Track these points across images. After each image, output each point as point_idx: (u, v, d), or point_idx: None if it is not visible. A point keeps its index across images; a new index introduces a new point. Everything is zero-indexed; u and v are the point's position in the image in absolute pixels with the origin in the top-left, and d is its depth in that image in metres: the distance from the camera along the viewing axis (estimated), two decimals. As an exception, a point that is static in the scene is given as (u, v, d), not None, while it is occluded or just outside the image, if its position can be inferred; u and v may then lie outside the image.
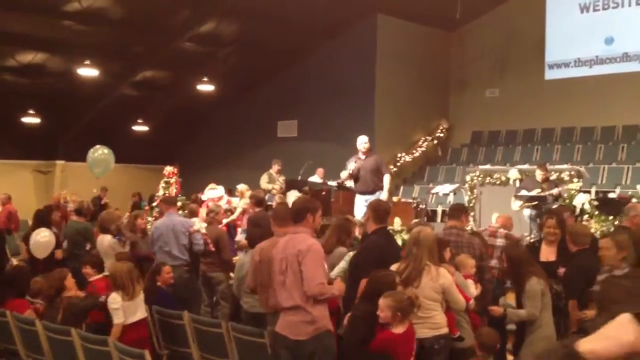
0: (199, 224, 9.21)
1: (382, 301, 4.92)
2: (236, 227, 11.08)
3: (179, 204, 13.32)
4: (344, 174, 11.44)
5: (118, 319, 6.13)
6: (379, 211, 6.15)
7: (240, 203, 12.00)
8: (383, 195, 11.33)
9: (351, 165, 11.11)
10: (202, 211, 12.09)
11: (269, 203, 12.63)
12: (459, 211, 7.31)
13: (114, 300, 6.19)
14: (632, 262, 5.53)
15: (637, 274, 5.31)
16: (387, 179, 11.43)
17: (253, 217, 9.53)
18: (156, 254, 8.34)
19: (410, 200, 13.98)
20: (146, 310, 6.58)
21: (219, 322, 6.51)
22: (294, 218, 5.50)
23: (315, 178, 15.23)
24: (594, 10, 18.12)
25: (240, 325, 6.46)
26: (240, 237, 9.54)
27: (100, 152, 11.97)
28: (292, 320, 5.15)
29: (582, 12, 18.31)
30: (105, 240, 8.31)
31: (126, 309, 6.19)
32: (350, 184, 13.82)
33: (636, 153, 16.75)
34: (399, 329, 4.95)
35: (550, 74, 18.85)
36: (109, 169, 12.35)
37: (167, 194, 13.77)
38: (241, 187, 12.91)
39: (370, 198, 10.35)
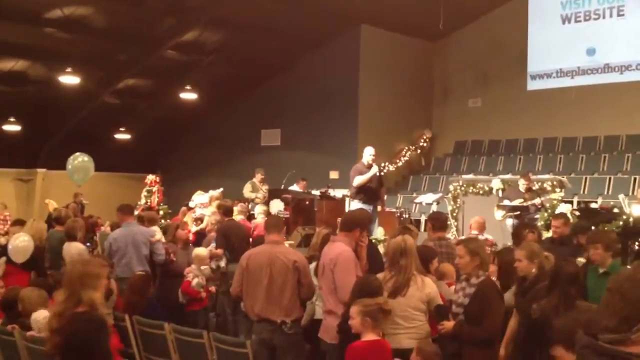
0: (159, 233, 9.07)
1: (352, 308, 4.83)
2: (205, 236, 10.94)
3: (160, 212, 13.29)
4: (361, 179, 11.19)
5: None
6: (364, 220, 6.19)
7: (207, 210, 11.87)
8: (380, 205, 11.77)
9: (375, 169, 11.16)
10: (188, 218, 12.01)
11: (252, 212, 12.55)
12: (444, 222, 7.30)
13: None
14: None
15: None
16: (383, 190, 11.88)
17: (221, 228, 9.44)
18: (115, 266, 8.07)
19: (394, 210, 13.99)
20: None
21: (200, 332, 6.44)
22: (343, 227, 5.78)
23: (295, 188, 15.20)
24: (576, 21, 18.25)
25: (222, 335, 6.42)
26: (212, 246, 9.36)
27: (80, 160, 11.96)
28: (327, 324, 5.43)
29: (564, 23, 18.44)
30: (72, 248, 8.21)
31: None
32: (335, 193, 13.84)
33: (618, 163, 16.88)
34: (368, 337, 4.73)
35: (532, 85, 18.94)
36: (89, 176, 12.34)
37: (149, 203, 13.69)
38: (211, 193, 12.80)
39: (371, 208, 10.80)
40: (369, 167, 11.28)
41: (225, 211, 9.90)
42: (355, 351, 4.70)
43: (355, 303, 4.84)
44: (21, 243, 8.23)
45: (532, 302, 5.09)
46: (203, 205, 12.39)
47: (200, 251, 8.32)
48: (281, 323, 5.63)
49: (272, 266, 5.73)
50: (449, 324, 5.18)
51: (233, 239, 8.73)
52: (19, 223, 10.22)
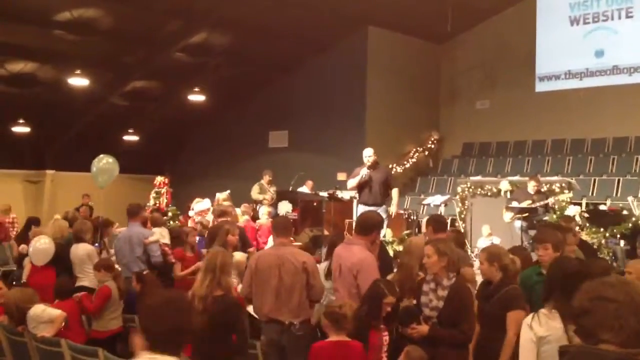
0: (159, 234, 9.06)
1: None
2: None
3: (169, 214, 13.33)
4: (353, 182, 11.04)
5: None
6: (380, 223, 6.21)
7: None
8: (392, 208, 11.23)
9: (364, 171, 10.90)
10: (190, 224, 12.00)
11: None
12: (444, 224, 7.26)
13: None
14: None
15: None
16: (395, 193, 11.26)
17: (211, 229, 9.43)
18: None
19: (402, 212, 13.97)
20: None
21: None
22: (360, 230, 5.78)
23: (304, 189, 15.21)
24: (584, 23, 18.24)
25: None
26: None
27: (105, 161, 11.95)
28: None
29: (572, 24, 18.42)
30: (79, 249, 8.22)
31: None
32: (343, 194, 13.79)
33: (626, 165, 16.83)
34: (331, 337, 4.93)
35: (540, 86, 18.93)
36: (113, 178, 12.37)
37: (157, 204, 13.73)
38: (218, 195, 12.79)
39: (378, 210, 10.27)
40: (372, 166, 11.02)
41: (219, 214, 9.90)
42: (314, 349, 4.93)
43: None
44: (42, 246, 8.28)
45: (496, 307, 5.00)
46: (203, 212, 12.33)
47: (240, 257, 8.25)
48: (290, 324, 5.63)
49: (281, 267, 5.73)
50: (423, 328, 5.03)
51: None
52: (35, 222, 10.29)
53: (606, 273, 5.12)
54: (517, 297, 4.93)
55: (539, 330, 4.01)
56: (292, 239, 7.24)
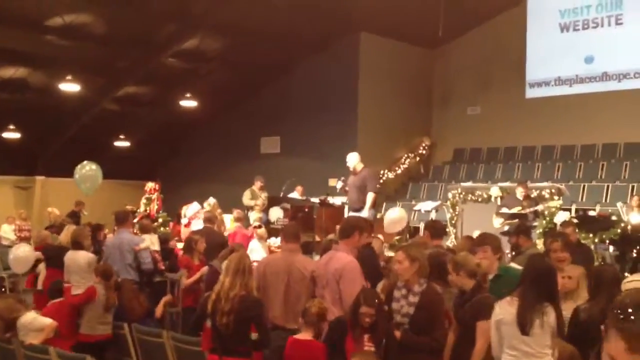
0: (149, 241, 9.05)
1: None
2: None
3: (159, 220, 13.30)
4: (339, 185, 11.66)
5: None
6: (360, 223, 6.20)
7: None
8: (363, 212, 10.83)
9: (339, 184, 11.18)
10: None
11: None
12: (442, 230, 7.27)
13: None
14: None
15: None
16: (369, 197, 11.10)
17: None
18: None
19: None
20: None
21: (199, 340, 6.44)
22: (341, 234, 5.88)
23: (295, 195, 15.21)
24: (574, 29, 18.32)
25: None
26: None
27: (88, 168, 11.82)
28: None
29: (562, 31, 18.51)
30: (80, 257, 8.08)
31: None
32: (334, 200, 13.83)
33: (616, 171, 16.90)
34: (301, 336, 5.23)
35: (531, 93, 19.00)
36: (97, 184, 12.24)
37: (148, 211, 13.70)
38: (210, 200, 12.77)
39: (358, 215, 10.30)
40: (354, 171, 11.37)
41: (206, 219, 9.98)
42: (288, 343, 5.23)
43: None
44: (22, 253, 8.22)
45: (467, 315, 5.00)
46: (195, 215, 12.30)
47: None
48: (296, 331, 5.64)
49: (289, 274, 5.75)
50: (394, 334, 5.03)
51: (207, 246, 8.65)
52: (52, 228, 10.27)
53: (616, 280, 5.19)
54: (487, 306, 4.83)
55: (498, 313, 4.50)
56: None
